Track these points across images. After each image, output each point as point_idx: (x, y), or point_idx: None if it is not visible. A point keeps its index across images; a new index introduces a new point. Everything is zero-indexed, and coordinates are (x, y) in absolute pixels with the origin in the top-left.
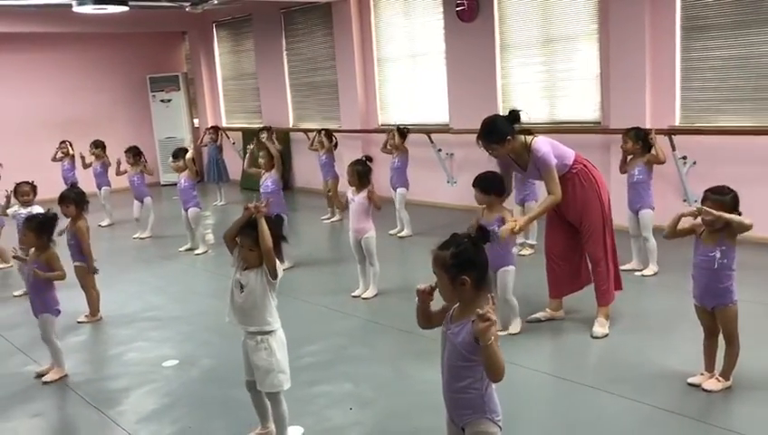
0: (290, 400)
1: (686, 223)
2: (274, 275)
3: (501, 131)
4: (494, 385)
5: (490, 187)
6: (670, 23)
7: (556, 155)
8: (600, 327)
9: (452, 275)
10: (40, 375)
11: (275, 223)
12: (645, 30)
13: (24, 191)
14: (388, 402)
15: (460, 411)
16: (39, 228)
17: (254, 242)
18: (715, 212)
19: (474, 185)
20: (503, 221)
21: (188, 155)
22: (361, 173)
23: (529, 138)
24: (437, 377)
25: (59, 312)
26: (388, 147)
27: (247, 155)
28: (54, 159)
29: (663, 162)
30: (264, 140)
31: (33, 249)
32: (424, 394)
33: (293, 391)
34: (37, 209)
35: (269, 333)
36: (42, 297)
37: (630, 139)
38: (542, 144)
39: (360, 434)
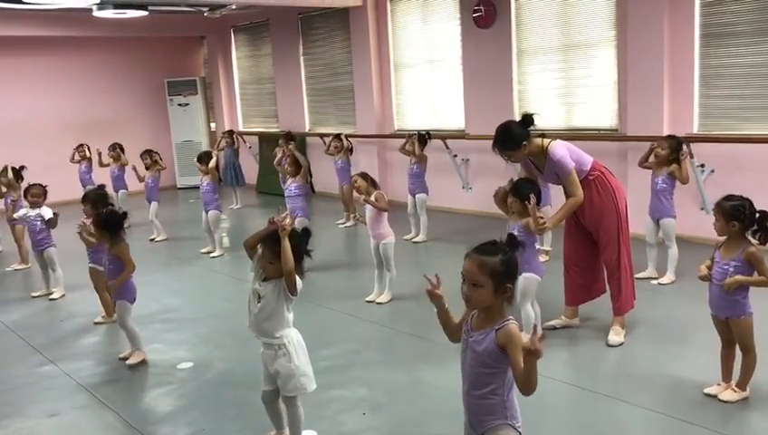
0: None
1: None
2: (294, 292)
3: (516, 137)
4: (515, 391)
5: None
6: (689, 29)
7: (573, 159)
8: (616, 335)
9: (498, 283)
10: (124, 359)
11: (301, 237)
12: (663, 36)
13: (35, 193)
14: (402, 408)
15: (481, 417)
16: (104, 225)
17: (275, 256)
18: (734, 281)
19: (511, 193)
20: (525, 227)
21: (212, 163)
22: (365, 177)
23: (546, 141)
24: (451, 383)
25: (134, 299)
26: (407, 148)
27: (278, 155)
28: (72, 161)
29: (685, 182)
30: (293, 150)
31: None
32: (438, 400)
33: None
34: (46, 211)
35: (284, 341)
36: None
37: (668, 147)
38: (559, 147)
39: None
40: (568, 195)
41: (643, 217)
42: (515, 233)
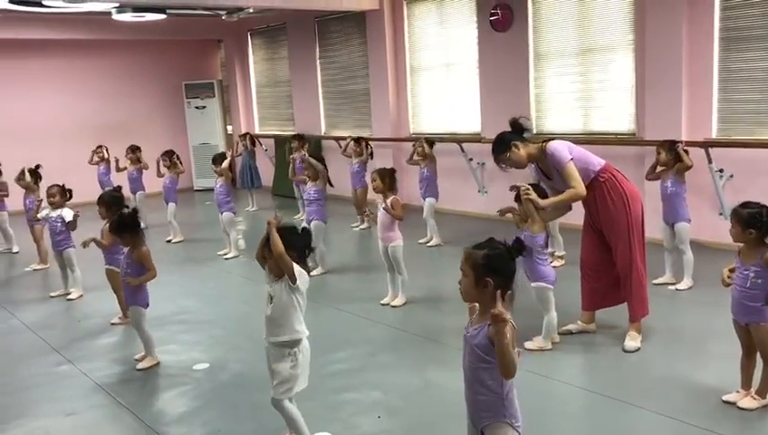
0: (318, 406)
1: None
2: (293, 279)
3: (504, 141)
4: (515, 391)
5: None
6: (708, 33)
7: (577, 158)
8: (632, 341)
9: (478, 275)
10: (137, 361)
11: (296, 230)
12: (682, 40)
13: (51, 193)
14: (416, 411)
15: (479, 413)
16: (117, 228)
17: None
18: None
19: (516, 199)
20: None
21: (225, 163)
22: (384, 175)
23: (544, 144)
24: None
25: (147, 305)
26: (416, 157)
27: (290, 166)
28: (91, 163)
29: (690, 166)
30: (307, 158)
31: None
32: (452, 404)
33: (322, 397)
34: (66, 212)
35: (296, 342)
36: (130, 289)
37: (664, 150)
38: (556, 144)
39: None
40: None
41: (659, 222)
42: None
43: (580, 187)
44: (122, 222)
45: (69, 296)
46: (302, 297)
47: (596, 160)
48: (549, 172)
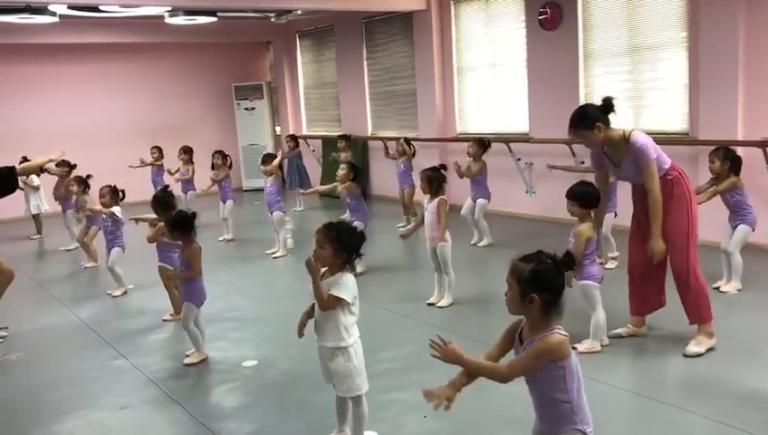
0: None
1: None
2: (323, 307)
3: (590, 117)
4: (584, 396)
5: (588, 201)
6: (766, 28)
7: (657, 153)
8: (696, 346)
9: (523, 290)
10: (187, 356)
11: (357, 235)
12: (738, 36)
13: (102, 194)
14: (463, 413)
15: (549, 422)
16: (174, 226)
17: (327, 239)
18: None
19: (568, 196)
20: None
21: (276, 161)
22: (432, 178)
23: (628, 129)
24: (513, 390)
25: (201, 303)
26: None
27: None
28: (146, 164)
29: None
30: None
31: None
32: (499, 407)
33: (368, 396)
34: (116, 211)
35: (343, 348)
36: (185, 286)
37: (718, 159)
38: (642, 136)
39: None
40: (647, 189)
41: (713, 223)
42: (570, 239)
43: (657, 189)
44: (179, 220)
45: (110, 293)
46: (349, 309)
47: (666, 158)
48: (618, 160)
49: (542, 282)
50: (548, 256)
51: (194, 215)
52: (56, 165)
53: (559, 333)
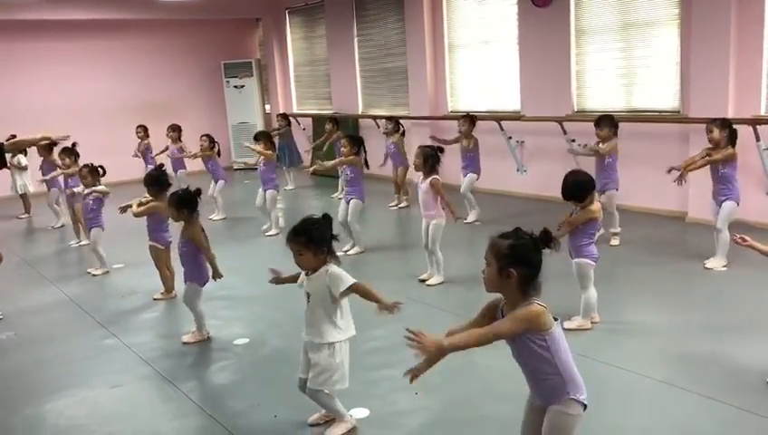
0: (356, 383)
1: None
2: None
3: None
4: (574, 367)
5: (574, 193)
6: (759, 7)
7: None
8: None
9: (501, 266)
10: (186, 336)
11: (323, 224)
12: (731, 14)
13: (83, 175)
14: (454, 389)
15: (543, 394)
16: (177, 203)
17: (301, 246)
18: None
19: (566, 199)
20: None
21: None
22: (428, 156)
23: None
24: (503, 365)
25: (204, 283)
26: (460, 133)
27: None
28: (138, 152)
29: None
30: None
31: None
32: (490, 382)
33: (359, 374)
34: (100, 188)
35: (333, 344)
36: (188, 266)
37: (717, 127)
38: None
39: (425, 419)
40: None
41: (708, 202)
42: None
43: None
44: (183, 198)
45: (90, 271)
46: (337, 302)
47: None
48: None
49: (519, 257)
50: (526, 233)
51: (198, 191)
52: (60, 153)
53: (538, 304)
